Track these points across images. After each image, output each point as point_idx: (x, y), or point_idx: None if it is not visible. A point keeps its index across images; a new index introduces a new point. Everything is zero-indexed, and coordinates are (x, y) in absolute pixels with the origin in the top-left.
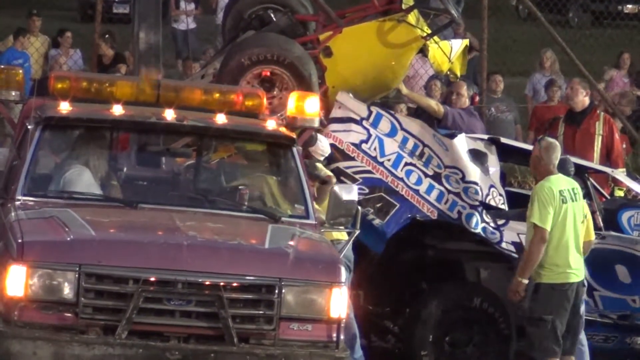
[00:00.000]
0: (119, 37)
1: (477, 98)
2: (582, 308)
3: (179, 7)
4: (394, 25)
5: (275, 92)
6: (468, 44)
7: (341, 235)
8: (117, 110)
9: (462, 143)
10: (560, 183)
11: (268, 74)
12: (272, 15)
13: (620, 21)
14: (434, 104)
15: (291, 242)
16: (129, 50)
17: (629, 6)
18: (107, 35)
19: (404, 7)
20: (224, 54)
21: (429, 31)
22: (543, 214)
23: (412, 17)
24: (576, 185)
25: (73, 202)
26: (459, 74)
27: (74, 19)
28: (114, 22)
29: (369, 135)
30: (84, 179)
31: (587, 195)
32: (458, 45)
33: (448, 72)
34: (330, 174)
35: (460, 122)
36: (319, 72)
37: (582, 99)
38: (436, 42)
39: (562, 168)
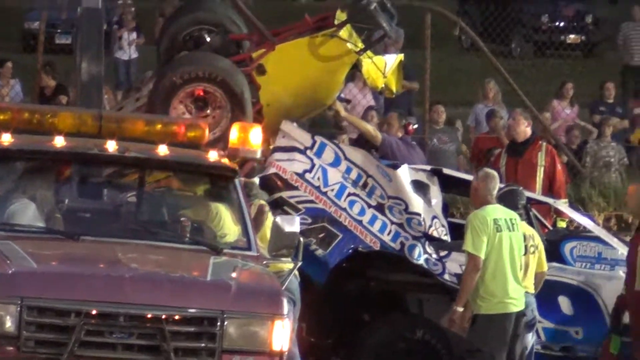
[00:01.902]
0: (60, 67)
1: (411, 127)
2: (530, 339)
3: (121, 36)
4: (325, 40)
5: (208, 111)
6: (402, 59)
7: (284, 266)
8: (59, 141)
9: (405, 174)
10: (497, 212)
11: (201, 92)
12: (206, 36)
13: (563, 51)
14: (372, 129)
15: (233, 274)
16: (72, 81)
17: (572, 36)
18: (48, 66)
19: (336, 22)
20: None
21: (362, 46)
22: (476, 241)
23: (344, 32)
24: (514, 215)
25: (14, 234)
26: (394, 89)
27: (16, 50)
28: (56, 52)
29: (313, 165)
30: (28, 212)
31: (529, 226)
32: (392, 60)
33: (383, 88)
34: (263, 203)
35: (397, 151)
36: (253, 90)
37: (524, 130)
38: (370, 57)
39: (511, 200)
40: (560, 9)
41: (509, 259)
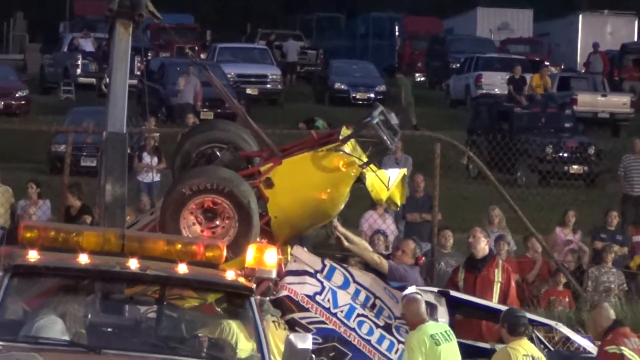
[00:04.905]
0: (85, 188)
1: (422, 260)
2: None
3: (142, 159)
4: (329, 153)
5: (217, 222)
6: (406, 173)
7: None
8: (83, 259)
9: None
10: (433, 328)
11: (210, 203)
12: (218, 153)
13: (566, 181)
14: (377, 258)
15: None
16: (96, 202)
17: (575, 167)
18: (74, 187)
19: (341, 138)
20: None
21: (366, 159)
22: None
23: (348, 146)
24: (447, 327)
25: (39, 347)
26: (399, 202)
27: (43, 171)
28: (82, 174)
29: (323, 288)
30: (54, 327)
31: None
32: (396, 174)
33: (388, 201)
34: (275, 318)
35: (403, 277)
36: (262, 203)
37: (483, 247)
38: (373, 171)
39: (512, 320)
40: (564, 141)
41: None
